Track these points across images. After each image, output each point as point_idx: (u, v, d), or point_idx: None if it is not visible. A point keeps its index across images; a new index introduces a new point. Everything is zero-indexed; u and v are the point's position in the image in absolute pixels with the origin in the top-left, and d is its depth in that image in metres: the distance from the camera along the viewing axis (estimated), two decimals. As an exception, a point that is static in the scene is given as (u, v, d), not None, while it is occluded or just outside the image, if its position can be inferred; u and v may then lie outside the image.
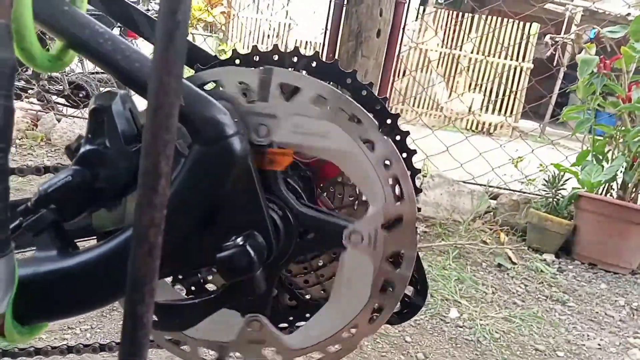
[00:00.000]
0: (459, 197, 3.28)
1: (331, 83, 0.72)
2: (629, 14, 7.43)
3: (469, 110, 9.65)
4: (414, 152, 0.72)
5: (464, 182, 3.40)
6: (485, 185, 3.43)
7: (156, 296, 0.64)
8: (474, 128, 9.66)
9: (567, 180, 3.11)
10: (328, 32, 3.35)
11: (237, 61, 0.66)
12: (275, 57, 0.67)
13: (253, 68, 0.63)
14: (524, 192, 3.35)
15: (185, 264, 0.56)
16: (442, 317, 2.11)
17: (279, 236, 0.61)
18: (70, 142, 0.58)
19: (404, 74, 9.81)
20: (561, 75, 8.92)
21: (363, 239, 0.64)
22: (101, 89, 4.31)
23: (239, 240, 0.54)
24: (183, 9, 0.23)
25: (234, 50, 0.68)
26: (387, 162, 0.63)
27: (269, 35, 11.09)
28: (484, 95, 10.05)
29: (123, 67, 0.54)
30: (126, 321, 0.27)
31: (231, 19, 11.24)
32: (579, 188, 3.05)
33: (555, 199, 3.07)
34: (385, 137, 0.63)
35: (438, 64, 10.08)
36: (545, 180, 3.13)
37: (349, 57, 3.22)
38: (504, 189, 3.44)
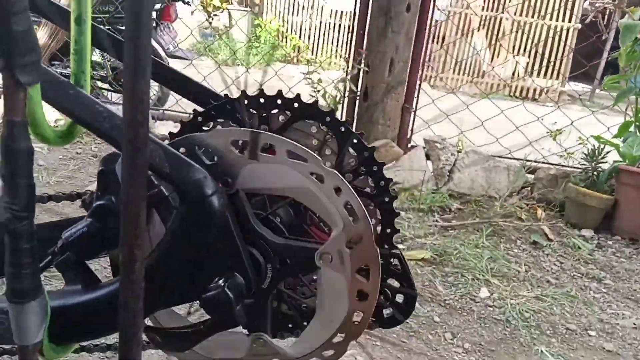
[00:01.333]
0: (495, 172, 3.25)
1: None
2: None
3: (513, 75, 9.33)
4: (382, 164, 0.79)
5: (500, 157, 3.35)
6: (522, 160, 3.37)
7: (166, 322, 0.75)
8: (518, 94, 9.35)
9: (607, 153, 3.02)
10: (357, 9, 3.32)
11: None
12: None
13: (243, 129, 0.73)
14: (563, 166, 3.27)
15: (178, 299, 0.68)
16: (472, 296, 2.14)
17: (260, 269, 0.71)
18: (85, 197, 0.70)
19: (443, 41, 9.55)
20: (611, 37, 8.45)
21: (332, 258, 0.72)
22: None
23: (221, 282, 0.64)
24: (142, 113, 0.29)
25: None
26: (338, 190, 0.71)
27: (303, 7, 11.00)
28: (529, 59, 9.66)
29: (120, 142, 0.63)
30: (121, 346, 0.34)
31: (266, -7, 11.20)
32: (620, 161, 2.96)
33: (595, 173, 2.99)
34: (329, 169, 0.70)
35: (479, 27, 9.73)
36: (585, 154, 3.05)
37: (379, 34, 3.20)
38: (542, 163, 3.37)
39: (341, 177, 0.70)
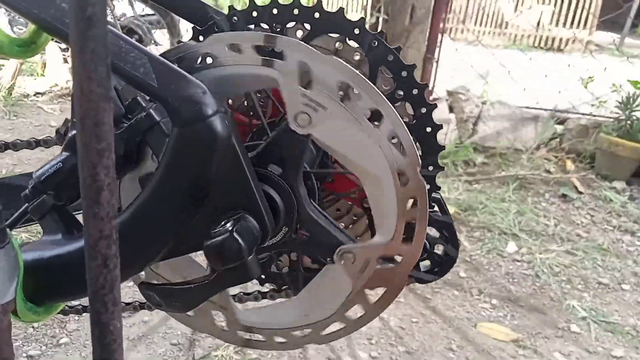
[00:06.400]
0: (522, 124, 3.10)
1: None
2: None
3: (538, 25, 8.93)
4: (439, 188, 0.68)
5: (527, 107, 3.20)
6: (551, 110, 3.21)
7: (182, 272, 0.65)
8: (542, 45, 8.97)
9: (643, 100, 2.85)
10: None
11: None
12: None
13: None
14: (594, 116, 3.11)
15: (177, 248, 0.56)
16: (498, 251, 2.07)
17: (279, 216, 0.59)
18: (59, 126, 0.59)
19: (464, -10, 9.13)
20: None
21: (355, 262, 0.61)
22: (153, 31, 4.33)
23: (228, 226, 0.53)
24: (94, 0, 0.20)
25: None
26: (413, 202, 0.59)
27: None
28: (554, 7, 9.21)
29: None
30: (93, 330, 0.27)
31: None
32: (657, 108, 2.79)
33: (628, 122, 2.83)
34: (421, 179, 0.58)
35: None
36: (619, 102, 2.88)
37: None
38: (572, 112, 3.21)
39: (426, 192, 0.58)
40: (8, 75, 3.56)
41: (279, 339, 0.69)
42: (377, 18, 3.03)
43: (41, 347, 1.40)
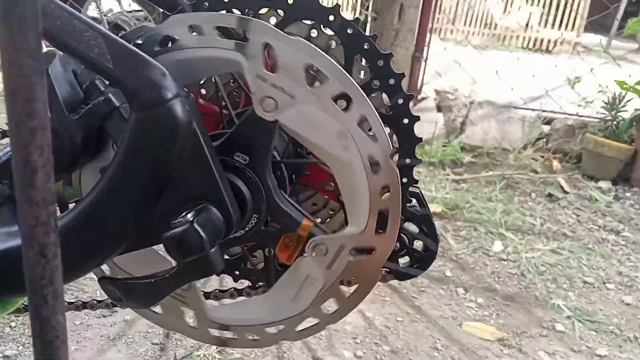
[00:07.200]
0: (509, 124, 3.11)
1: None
2: None
3: (526, 26, 8.98)
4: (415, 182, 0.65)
5: (514, 107, 3.20)
6: (537, 110, 3.22)
7: (148, 266, 0.63)
8: (531, 46, 9.02)
9: (629, 101, 2.86)
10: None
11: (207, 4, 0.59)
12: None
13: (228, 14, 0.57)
14: (581, 116, 3.12)
15: (137, 241, 0.54)
16: (484, 250, 2.06)
17: (245, 207, 0.56)
18: None
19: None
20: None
21: (326, 253, 0.59)
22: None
23: (189, 216, 0.50)
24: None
25: None
26: (385, 192, 0.57)
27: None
28: (543, 9, 9.27)
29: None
30: (34, 325, 0.25)
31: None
32: (642, 109, 2.80)
33: (614, 123, 2.85)
34: (394, 166, 0.56)
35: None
36: (605, 102, 2.89)
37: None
38: (559, 113, 3.22)
39: (399, 181, 0.56)
40: None
41: (251, 336, 0.67)
42: (366, 16, 3.03)
43: (18, 347, 1.36)
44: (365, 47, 0.62)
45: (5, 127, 0.86)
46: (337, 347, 1.47)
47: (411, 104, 0.61)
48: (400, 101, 0.61)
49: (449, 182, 2.66)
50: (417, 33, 3.13)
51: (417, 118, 0.62)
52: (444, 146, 3.02)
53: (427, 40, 3.14)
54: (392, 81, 0.62)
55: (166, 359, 1.37)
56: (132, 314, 1.54)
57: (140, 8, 4.15)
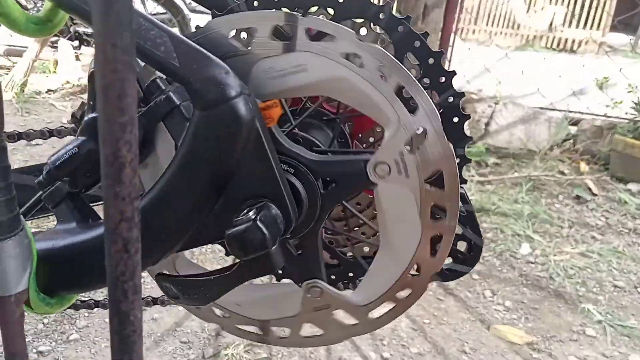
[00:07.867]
0: (535, 124, 3.06)
1: None
2: None
3: (550, 26, 8.85)
4: (441, 53, 0.62)
5: (540, 108, 3.16)
6: (564, 111, 3.17)
7: (181, 270, 0.62)
8: (555, 46, 8.89)
9: (660, 101, 2.80)
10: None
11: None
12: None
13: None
14: (609, 117, 3.06)
15: (197, 237, 0.54)
16: (512, 253, 2.04)
17: (302, 200, 0.56)
18: (75, 110, 0.56)
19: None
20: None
21: (390, 168, 0.56)
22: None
23: (251, 214, 0.50)
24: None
25: None
26: (382, 72, 0.54)
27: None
28: (567, 8, 9.13)
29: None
30: (112, 320, 0.25)
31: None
32: (674, 110, 2.74)
33: (645, 123, 2.79)
34: (370, 44, 0.53)
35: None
36: (635, 102, 2.83)
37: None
38: (586, 113, 3.17)
39: (387, 53, 0.53)
40: (20, 72, 3.58)
41: (403, 293, 0.63)
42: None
43: (51, 343, 1.39)
44: (416, 45, 0.61)
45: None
46: (364, 348, 1.46)
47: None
48: (451, 99, 0.59)
49: (473, 183, 2.63)
50: (440, 34, 3.10)
51: (468, 117, 0.61)
52: (468, 147, 2.99)
53: (452, 41, 3.11)
54: (442, 79, 0.61)
55: (195, 358, 1.38)
56: (160, 312, 1.55)
57: (164, 11, 4.19)
